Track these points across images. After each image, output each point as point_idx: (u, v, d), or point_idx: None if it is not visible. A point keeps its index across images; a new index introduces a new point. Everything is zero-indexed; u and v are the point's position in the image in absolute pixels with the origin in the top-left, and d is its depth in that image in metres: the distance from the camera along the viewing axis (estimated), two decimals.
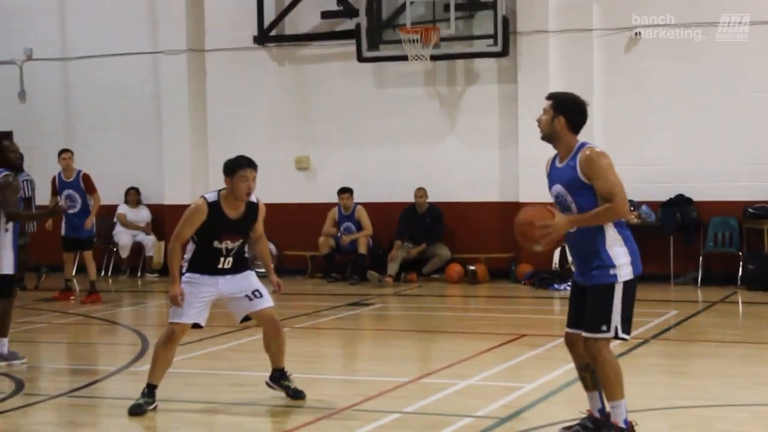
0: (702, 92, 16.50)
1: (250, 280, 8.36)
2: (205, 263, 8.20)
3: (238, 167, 8.12)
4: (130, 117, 19.78)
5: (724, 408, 8.04)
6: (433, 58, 17.36)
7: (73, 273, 16.42)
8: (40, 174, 16.87)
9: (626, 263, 6.72)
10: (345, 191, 17.94)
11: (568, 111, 6.84)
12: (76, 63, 20.20)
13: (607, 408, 6.98)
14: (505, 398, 8.47)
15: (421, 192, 17.75)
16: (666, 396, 8.55)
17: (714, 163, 16.53)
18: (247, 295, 8.28)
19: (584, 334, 6.79)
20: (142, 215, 19.56)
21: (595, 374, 6.94)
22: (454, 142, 18.05)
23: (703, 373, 9.79)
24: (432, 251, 17.71)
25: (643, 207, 16.65)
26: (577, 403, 7.24)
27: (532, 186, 15.91)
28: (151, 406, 8.17)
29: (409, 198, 17.80)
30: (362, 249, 17.64)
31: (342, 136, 18.61)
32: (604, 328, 6.70)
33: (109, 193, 19.30)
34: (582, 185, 6.72)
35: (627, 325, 6.76)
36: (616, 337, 6.74)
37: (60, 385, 9.58)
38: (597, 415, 7.03)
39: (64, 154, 15.82)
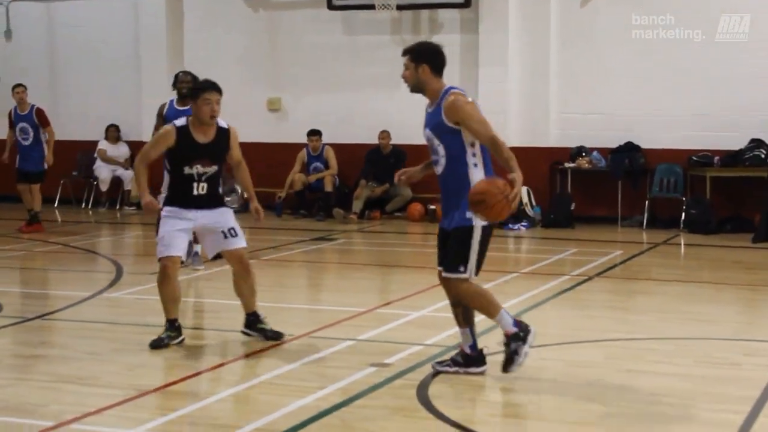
0: (652, 44, 16.48)
1: (226, 217, 8.07)
2: (180, 193, 7.89)
3: (201, 90, 7.84)
4: (110, 57, 19.61)
5: (655, 341, 8.12)
6: (399, 7, 17.27)
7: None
8: None
9: None
10: (314, 133, 17.87)
11: (427, 58, 6.87)
12: (60, 4, 20.02)
13: (480, 344, 7.02)
14: (453, 328, 8.40)
15: (384, 134, 17.72)
16: (604, 329, 8.64)
17: (661, 113, 16.55)
18: (222, 231, 7.98)
19: (443, 273, 6.83)
20: (121, 151, 19.46)
21: (467, 311, 6.99)
22: None
23: (641, 309, 9.90)
24: (395, 191, 17.70)
25: (594, 153, 16.70)
26: None
27: None
28: (176, 340, 7.84)
29: (374, 140, 17.76)
30: (328, 187, 17.63)
31: (312, 80, 18.51)
32: (462, 269, 6.72)
33: (91, 129, 19.32)
34: (447, 129, 6.70)
35: (479, 267, 6.78)
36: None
37: (35, 308, 9.58)
38: (468, 351, 7.02)
39: (18, 88, 15.68)
